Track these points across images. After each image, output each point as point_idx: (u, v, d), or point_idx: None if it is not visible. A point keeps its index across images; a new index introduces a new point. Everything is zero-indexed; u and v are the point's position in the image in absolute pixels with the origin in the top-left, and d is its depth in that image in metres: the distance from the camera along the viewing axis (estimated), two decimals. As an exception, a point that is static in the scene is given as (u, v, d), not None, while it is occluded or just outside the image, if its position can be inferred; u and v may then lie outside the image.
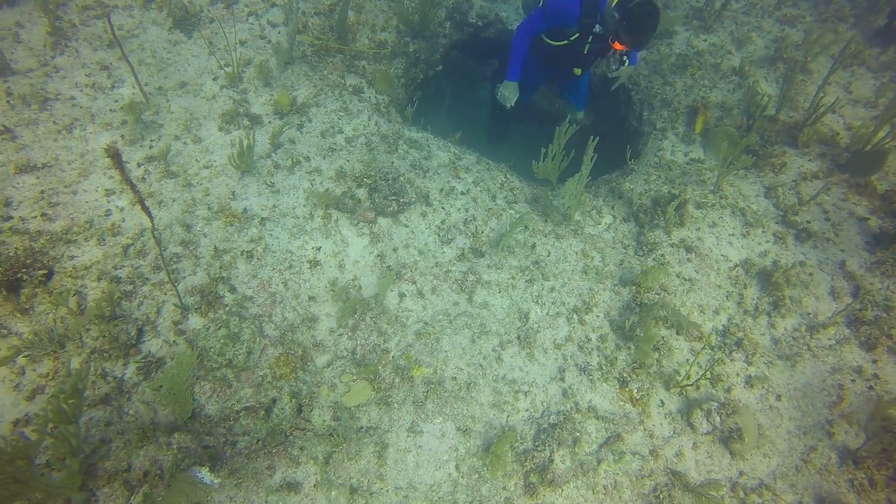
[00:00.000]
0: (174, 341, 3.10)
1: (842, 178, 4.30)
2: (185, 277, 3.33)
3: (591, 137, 3.60)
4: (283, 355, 3.13)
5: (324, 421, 3.00)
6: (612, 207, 4.18)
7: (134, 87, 4.12)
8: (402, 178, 3.85)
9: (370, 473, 2.87)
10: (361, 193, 3.79)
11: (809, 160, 4.46)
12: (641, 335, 3.18)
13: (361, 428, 3.00)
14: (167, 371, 2.76)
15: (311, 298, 3.40)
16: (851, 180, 4.29)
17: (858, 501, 2.93)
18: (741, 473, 3.03)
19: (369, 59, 4.79)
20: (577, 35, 4.03)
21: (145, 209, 2.60)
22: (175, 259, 3.38)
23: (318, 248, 3.57)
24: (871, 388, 3.27)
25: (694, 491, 2.86)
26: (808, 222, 3.96)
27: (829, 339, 3.50)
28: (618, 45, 3.76)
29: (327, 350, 3.26)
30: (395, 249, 3.64)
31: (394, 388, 3.11)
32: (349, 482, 2.85)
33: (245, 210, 3.64)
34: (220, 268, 3.37)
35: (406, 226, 3.75)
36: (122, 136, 3.88)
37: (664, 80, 5.28)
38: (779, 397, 3.27)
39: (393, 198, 3.74)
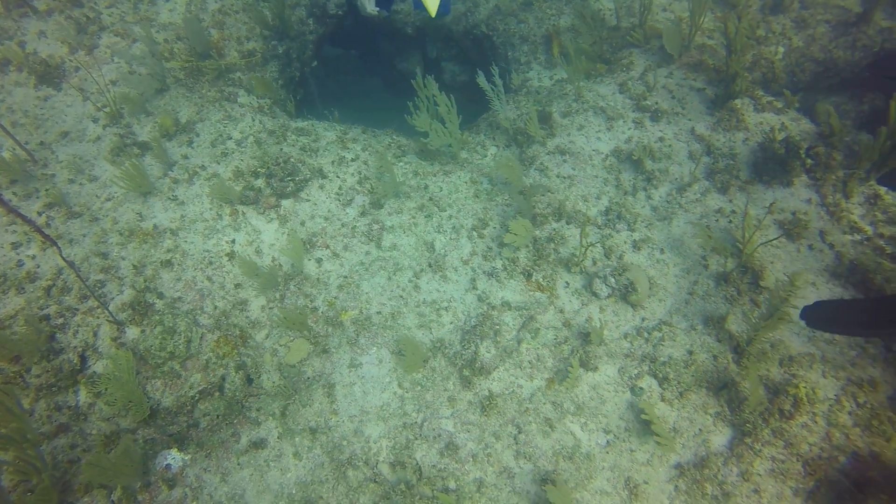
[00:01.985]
0: (118, 355, 3.30)
1: (681, 62, 4.85)
2: (113, 298, 3.52)
3: (427, 77, 4.03)
4: (223, 337, 3.38)
5: (273, 383, 3.28)
6: (494, 139, 4.59)
7: (15, 149, 4.23)
8: (293, 160, 4.13)
9: (325, 412, 3.17)
10: (260, 183, 4.05)
11: (652, 54, 4.99)
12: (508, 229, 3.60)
13: (308, 378, 3.29)
14: (110, 378, 2.95)
15: (237, 286, 3.65)
16: (690, 62, 4.85)
17: (732, 308, 3.43)
18: (643, 319, 3.48)
19: (243, 69, 5.02)
20: None
21: (42, 234, 2.80)
22: (99, 285, 3.56)
23: (233, 241, 3.82)
24: (730, 222, 3.79)
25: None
26: (657, 103, 4.47)
27: (695, 193, 4.01)
28: None
29: (263, 325, 3.53)
30: (302, 223, 3.93)
31: (328, 336, 3.41)
32: (308, 425, 3.14)
33: (155, 226, 3.84)
34: (145, 281, 3.58)
35: (308, 200, 4.04)
36: (15, 193, 4.01)
37: (518, 20, 5.72)
38: (662, 251, 3.74)
39: (289, 178, 4.03)
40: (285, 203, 4.02)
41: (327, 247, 3.82)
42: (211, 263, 3.70)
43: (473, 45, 6.20)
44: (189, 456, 3.03)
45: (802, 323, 3.19)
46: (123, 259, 3.70)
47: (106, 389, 2.97)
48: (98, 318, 3.45)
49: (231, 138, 4.41)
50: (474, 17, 5.85)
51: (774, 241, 3.71)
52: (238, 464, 3.06)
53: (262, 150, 4.28)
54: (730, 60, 4.21)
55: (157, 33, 4.92)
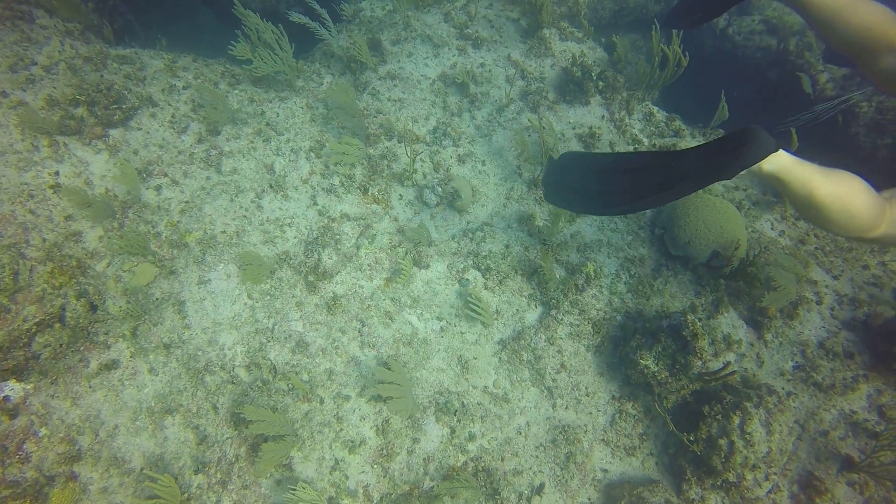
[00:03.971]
0: (-69, 295, 3.11)
1: (500, -6, 5.31)
2: (-85, 239, 3.26)
3: (249, 11, 4.09)
4: (56, 268, 3.31)
5: (120, 307, 3.32)
6: (329, 67, 4.73)
7: None
8: (117, 87, 3.97)
9: (177, 328, 3.32)
10: (81, 112, 3.86)
11: (474, -14, 5.38)
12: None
13: (157, 299, 3.38)
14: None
15: (67, 218, 3.55)
16: (507, -6, 5.33)
17: (542, 209, 4.10)
18: (468, 222, 4.01)
19: (40, -13, 4.55)
20: None
21: None
22: None
23: (56, 174, 3.65)
24: (538, 136, 4.41)
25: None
26: (478, 32, 4.91)
27: (512, 112, 4.56)
28: None
29: (103, 255, 3.50)
30: (135, 152, 3.85)
31: (174, 259, 3.50)
32: (161, 342, 3.27)
33: (-44, 161, 3.54)
34: (-48, 218, 3.34)
35: (139, 129, 3.94)
36: None
37: (348, -51, 5.76)
38: (484, 162, 4.27)
39: (115, 106, 3.89)
40: (114, 132, 3.89)
41: (165, 174, 3.82)
42: (32, 197, 3.53)
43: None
44: (31, 385, 3.03)
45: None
46: (-78, 197, 3.39)
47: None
48: None
49: (36, 63, 4.07)
50: (304, -57, 5.77)
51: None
52: (90, 386, 3.13)
53: (78, 78, 4.04)
54: (538, -8, 4.75)
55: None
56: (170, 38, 5.89)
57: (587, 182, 2.88)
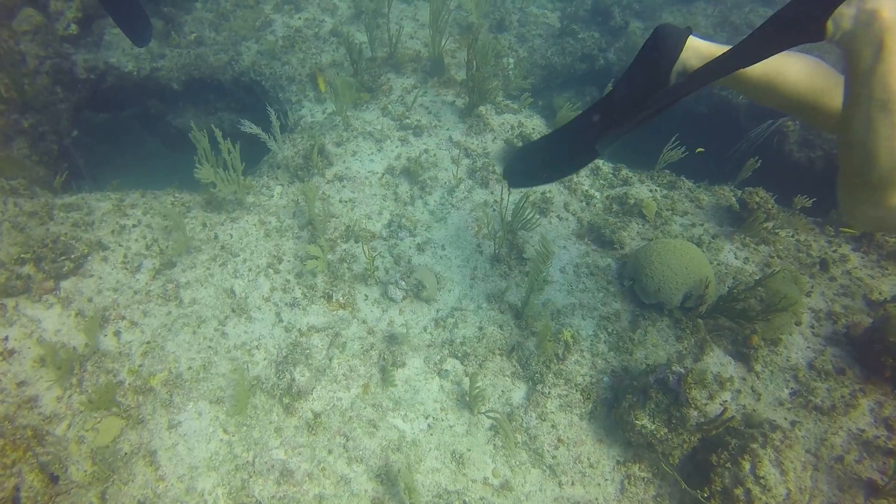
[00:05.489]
0: None
1: (433, 81, 5.52)
2: None
3: (202, 131, 4.12)
4: (8, 444, 3.12)
5: (85, 472, 3.12)
6: (277, 178, 4.78)
7: None
8: (63, 238, 3.92)
9: (150, 482, 3.11)
10: (28, 270, 3.78)
11: (407, 77, 5.60)
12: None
13: (126, 454, 3.19)
14: None
15: (20, 384, 3.39)
16: (439, 80, 5.54)
17: (508, 283, 4.08)
18: (438, 311, 3.96)
19: (-20, 151, 4.59)
20: None
21: None
22: None
23: (5, 339, 3.52)
24: (494, 210, 4.46)
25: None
26: (418, 121, 5.05)
27: (463, 192, 4.63)
28: None
29: (63, 416, 3.32)
30: (89, 300, 3.76)
31: (140, 406, 3.34)
32: (135, 501, 3.06)
33: None
34: None
35: (91, 275, 3.87)
36: None
37: (282, 62, 5.99)
38: (443, 247, 4.27)
39: (63, 258, 3.82)
40: (65, 284, 3.81)
41: (123, 317, 3.71)
42: (-17, 369, 3.38)
43: (245, 93, 6.32)
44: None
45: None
46: None
47: None
48: None
49: (-21, 233, 4.02)
50: (239, 66, 5.99)
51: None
52: (60, 567, 2.88)
53: (24, 235, 3.99)
54: (474, 74, 4.93)
55: None
56: (120, 171, 5.93)
57: (548, 157, 2.89)
